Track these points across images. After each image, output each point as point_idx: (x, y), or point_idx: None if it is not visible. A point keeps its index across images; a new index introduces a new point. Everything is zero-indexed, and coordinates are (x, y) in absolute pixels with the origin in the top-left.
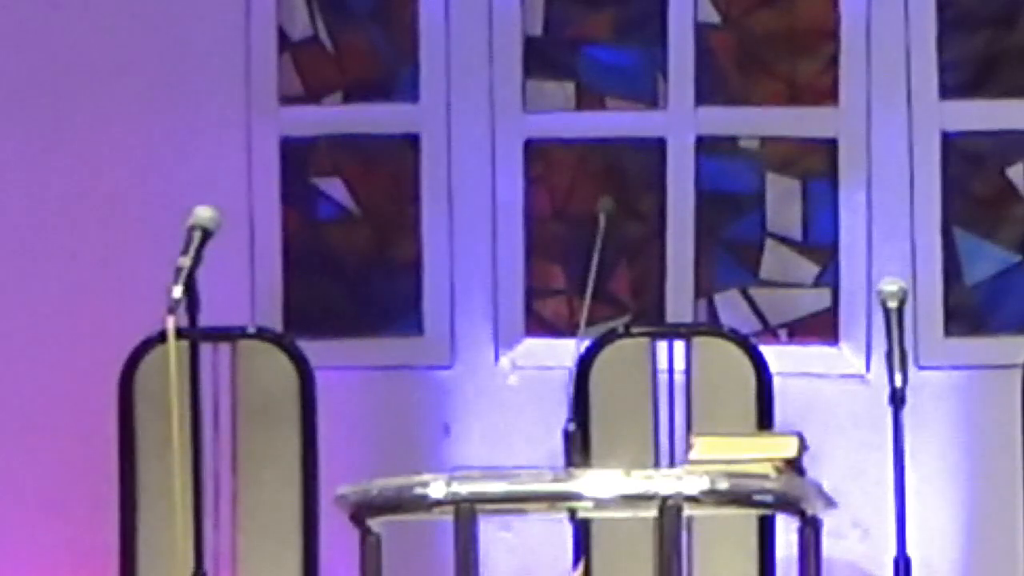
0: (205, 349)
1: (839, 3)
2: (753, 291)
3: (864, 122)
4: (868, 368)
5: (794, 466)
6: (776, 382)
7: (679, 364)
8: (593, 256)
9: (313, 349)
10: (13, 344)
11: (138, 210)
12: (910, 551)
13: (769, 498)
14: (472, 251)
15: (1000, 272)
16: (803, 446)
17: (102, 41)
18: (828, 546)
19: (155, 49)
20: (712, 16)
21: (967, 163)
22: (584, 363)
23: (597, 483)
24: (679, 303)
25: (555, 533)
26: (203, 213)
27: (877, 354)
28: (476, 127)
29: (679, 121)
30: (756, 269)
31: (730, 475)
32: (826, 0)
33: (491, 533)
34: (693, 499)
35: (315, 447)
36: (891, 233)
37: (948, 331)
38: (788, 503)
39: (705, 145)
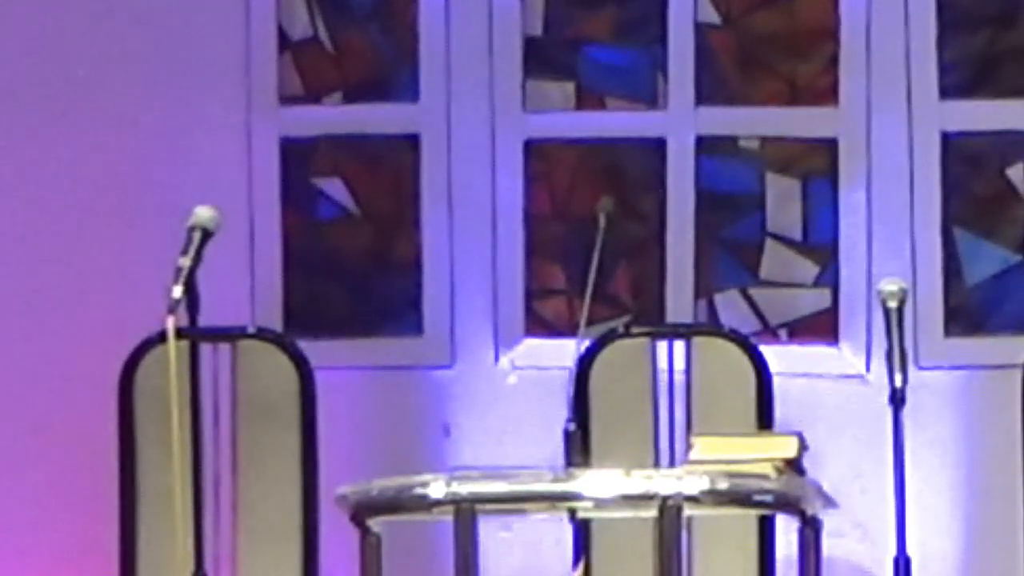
0: (205, 349)
1: (839, 3)
2: (753, 291)
3: (864, 122)
4: (868, 368)
5: (794, 466)
6: (776, 382)
7: (679, 364)
8: (593, 256)
9: (313, 349)
10: (14, 344)
11: (138, 210)
12: (910, 551)
13: (769, 498)
14: (472, 251)
15: (1000, 272)
16: (803, 446)
17: (102, 41)
18: (828, 546)
19: (155, 49)
20: (712, 16)
21: (967, 163)
22: (584, 363)
23: (597, 483)
24: (679, 303)
25: (555, 533)
26: (203, 213)
27: (877, 354)
28: (476, 127)
29: (679, 121)
30: (756, 269)
31: (730, 475)
32: (826, 0)
33: (491, 533)
34: (693, 499)
35: (315, 447)
36: (891, 233)
37: (948, 331)
38: (788, 503)
39: (705, 145)
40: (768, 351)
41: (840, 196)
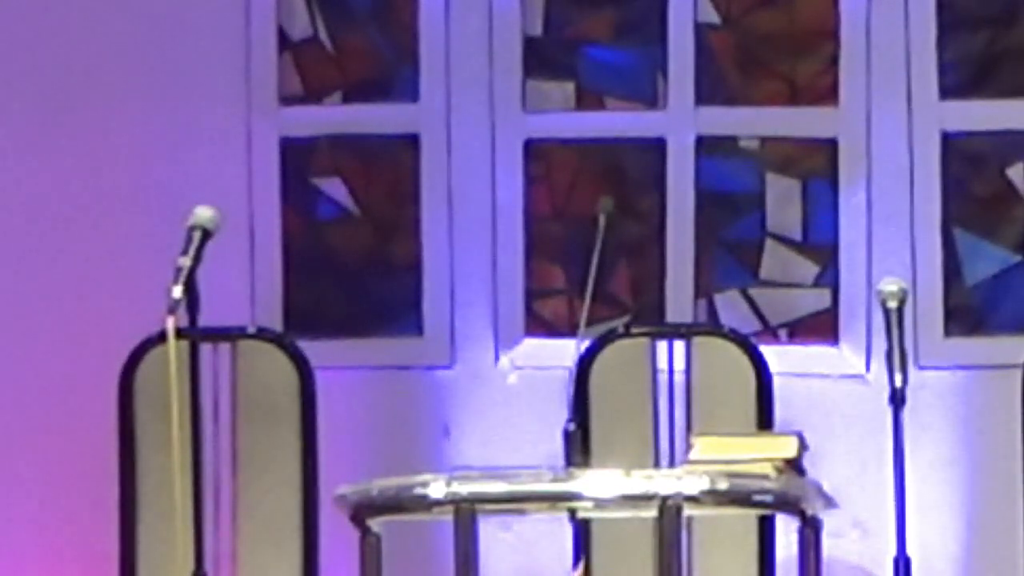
0: (205, 349)
1: (839, 3)
2: (753, 291)
3: (864, 122)
4: (868, 368)
5: (794, 466)
6: (776, 382)
7: (679, 364)
8: (593, 256)
9: (313, 349)
10: (13, 344)
11: (138, 210)
12: (910, 551)
13: (769, 498)
14: (472, 251)
15: (1000, 272)
16: (803, 446)
17: (102, 41)
18: (828, 546)
19: (155, 49)
20: (712, 16)
21: (967, 163)
22: (584, 363)
23: (597, 483)
24: (679, 303)
25: (555, 533)
26: (203, 213)
27: (877, 354)
28: (476, 127)
29: (679, 121)
30: (756, 269)
31: (730, 475)
32: (826, 0)
33: (491, 533)
34: (693, 499)
35: (315, 447)
36: (891, 233)
37: (948, 331)
38: (788, 503)
39: (705, 145)
40: (768, 351)
41: (840, 196)
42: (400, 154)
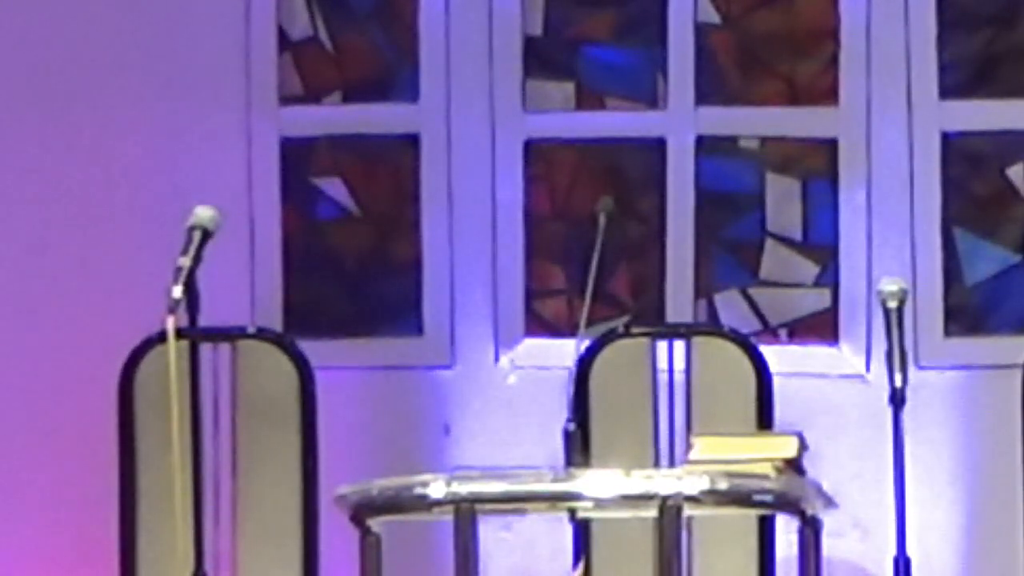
0: (205, 349)
1: (839, 3)
2: (753, 291)
3: (864, 122)
4: (868, 368)
5: (794, 466)
6: (776, 382)
7: (679, 364)
8: (593, 256)
9: (313, 349)
10: (13, 344)
11: (138, 210)
12: (910, 551)
13: (769, 498)
14: (472, 251)
15: (1000, 272)
16: (803, 446)
17: (102, 41)
18: (828, 546)
19: (155, 49)
20: (712, 16)
21: (967, 163)
22: (584, 363)
23: (597, 483)
24: (679, 303)
25: (555, 533)
26: (203, 213)
27: (877, 354)
28: (476, 127)
29: (679, 121)
30: (756, 269)
31: (730, 475)
32: (826, 0)
33: (491, 533)
34: (693, 499)
35: (315, 447)
36: (891, 233)
37: (948, 331)
38: (788, 503)
39: (705, 145)
40: (768, 351)
41: (840, 196)
42: (400, 154)
